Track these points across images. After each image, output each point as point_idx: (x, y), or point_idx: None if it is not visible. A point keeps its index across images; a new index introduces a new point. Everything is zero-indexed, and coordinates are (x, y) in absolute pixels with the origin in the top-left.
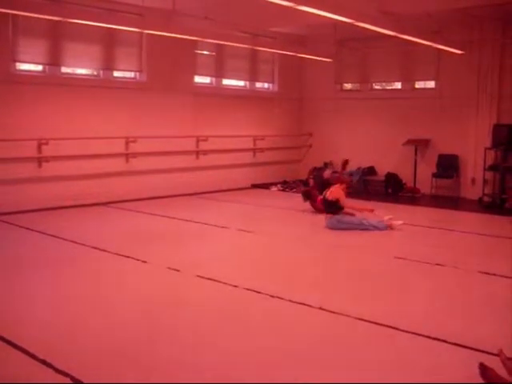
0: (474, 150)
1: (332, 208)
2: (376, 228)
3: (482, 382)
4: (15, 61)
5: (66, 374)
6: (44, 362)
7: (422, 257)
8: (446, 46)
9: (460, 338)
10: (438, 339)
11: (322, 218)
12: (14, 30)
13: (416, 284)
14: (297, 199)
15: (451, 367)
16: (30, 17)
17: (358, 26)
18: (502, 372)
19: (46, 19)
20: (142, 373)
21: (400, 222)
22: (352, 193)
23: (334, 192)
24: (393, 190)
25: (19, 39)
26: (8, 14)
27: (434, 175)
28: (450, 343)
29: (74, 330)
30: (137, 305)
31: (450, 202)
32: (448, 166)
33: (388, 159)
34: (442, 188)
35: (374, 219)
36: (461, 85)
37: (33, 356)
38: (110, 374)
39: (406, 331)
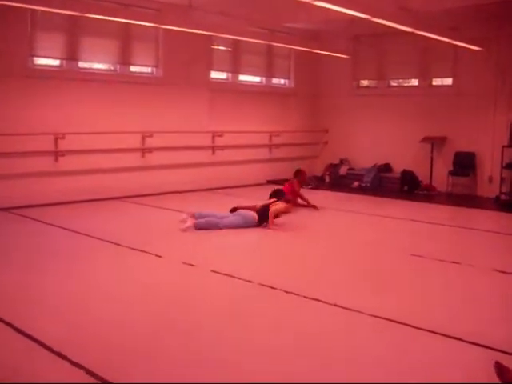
0: (491, 148)
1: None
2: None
3: (498, 381)
4: (33, 55)
5: (80, 367)
6: (59, 355)
7: (438, 255)
8: (463, 42)
9: (476, 336)
10: (454, 337)
11: (336, 214)
12: (32, 25)
13: (432, 282)
14: (313, 196)
15: (467, 366)
16: (48, 12)
17: (375, 22)
18: None
19: (63, 14)
20: (155, 366)
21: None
22: (367, 190)
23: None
24: (409, 187)
25: (37, 34)
26: (26, 9)
27: (451, 173)
28: (465, 341)
29: (89, 322)
30: (151, 299)
31: (467, 200)
32: (465, 164)
33: (404, 156)
34: (458, 186)
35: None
36: (478, 82)
37: (48, 348)
38: (124, 366)
39: (422, 329)
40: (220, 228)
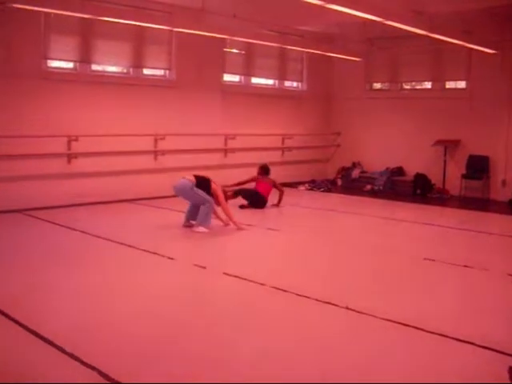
0: (504, 152)
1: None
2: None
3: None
4: (47, 58)
5: (93, 368)
6: (72, 356)
7: (451, 259)
8: (477, 45)
9: (488, 340)
10: (466, 341)
11: (348, 217)
12: (45, 28)
13: (444, 286)
14: (325, 199)
15: (479, 370)
16: (62, 15)
17: (388, 25)
18: None
19: (77, 17)
20: (167, 368)
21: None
22: (379, 193)
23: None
24: (421, 190)
25: (51, 37)
26: (40, 12)
27: (464, 176)
28: (477, 346)
29: (101, 324)
30: (163, 301)
31: (480, 203)
32: (478, 168)
33: (417, 159)
34: (471, 189)
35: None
36: (492, 85)
37: (61, 349)
38: (136, 367)
39: (434, 333)
40: (209, 203)
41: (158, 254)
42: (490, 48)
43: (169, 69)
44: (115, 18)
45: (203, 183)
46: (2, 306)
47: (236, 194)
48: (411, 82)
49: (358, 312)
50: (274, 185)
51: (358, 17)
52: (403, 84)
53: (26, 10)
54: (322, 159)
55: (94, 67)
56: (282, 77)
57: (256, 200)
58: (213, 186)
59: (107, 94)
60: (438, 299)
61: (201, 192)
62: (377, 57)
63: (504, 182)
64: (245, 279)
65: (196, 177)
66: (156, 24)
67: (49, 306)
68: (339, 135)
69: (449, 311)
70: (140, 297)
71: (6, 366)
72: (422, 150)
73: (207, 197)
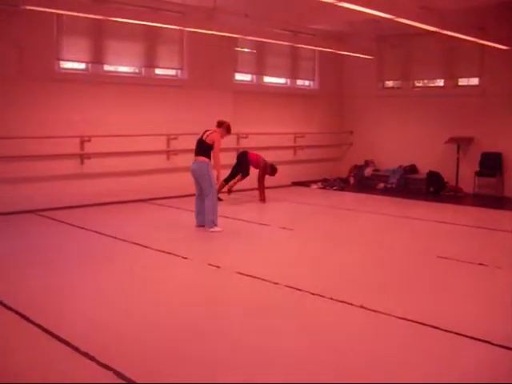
0: None
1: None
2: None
3: None
4: (59, 59)
5: (108, 368)
6: (86, 355)
7: (465, 257)
8: (490, 41)
9: (504, 339)
10: (482, 340)
11: (361, 216)
12: (58, 30)
13: (459, 284)
14: (338, 197)
15: (495, 368)
16: (74, 16)
17: (399, 23)
18: None
19: (89, 18)
20: (181, 367)
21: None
22: (392, 191)
23: (213, 136)
24: (434, 188)
25: (63, 38)
26: (52, 13)
27: (477, 174)
28: (494, 345)
29: (116, 324)
30: (177, 300)
31: (493, 201)
32: (491, 165)
33: (430, 157)
34: (485, 187)
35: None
36: (506, 81)
37: (76, 349)
38: (152, 367)
39: (449, 331)
40: (212, 193)
41: (172, 254)
42: (503, 44)
43: (181, 68)
44: (127, 18)
45: (203, 146)
46: (19, 306)
47: (226, 180)
48: (423, 79)
49: (373, 311)
50: (264, 164)
51: (370, 14)
52: (415, 82)
53: (39, 11)
54: (335, 158)
55: (106, 68)
56: (293, 75)
57: (243, 161)
58: (206, 139)
59: (119, 95)
60: (453, 297)
61: (212, 177)
62: (388, 54)
63: None
64: (258, 278)
65: (200, 151)
66: (168, 24)
67: (64, 306)
68: (351, 134)
69: (464, 309)
70: (154, 297)
71: (25, 366)
72: (434, 148)
73: (213, 183)
